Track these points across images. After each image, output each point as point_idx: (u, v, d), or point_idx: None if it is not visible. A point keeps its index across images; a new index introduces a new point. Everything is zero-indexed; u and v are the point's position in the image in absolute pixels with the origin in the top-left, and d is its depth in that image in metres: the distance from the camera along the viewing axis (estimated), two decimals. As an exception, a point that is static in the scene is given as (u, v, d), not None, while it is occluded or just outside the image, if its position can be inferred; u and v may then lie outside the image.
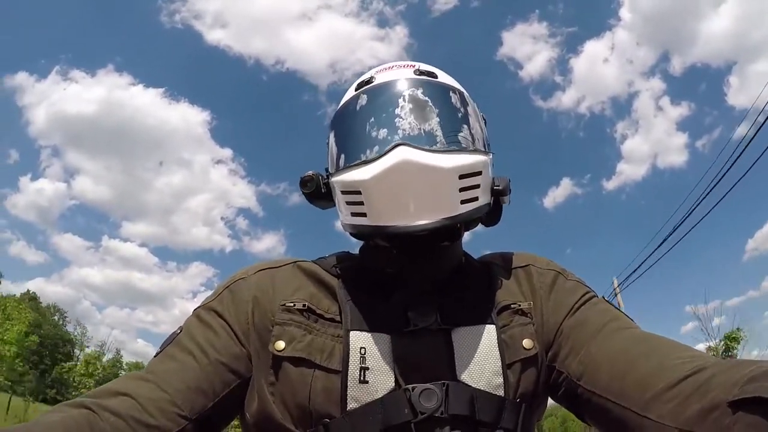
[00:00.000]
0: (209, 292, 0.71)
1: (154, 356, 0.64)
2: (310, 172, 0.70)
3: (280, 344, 0.61)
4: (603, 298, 0.69)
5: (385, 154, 0.59)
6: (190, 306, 0.70)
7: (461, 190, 0.61)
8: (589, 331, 0.62)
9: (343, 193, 0.64)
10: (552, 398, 0.67)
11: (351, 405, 0.57)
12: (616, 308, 0.66)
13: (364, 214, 0.62)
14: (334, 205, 0.71)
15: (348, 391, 0.57)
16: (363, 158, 0.62)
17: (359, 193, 0.61)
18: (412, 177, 0.58)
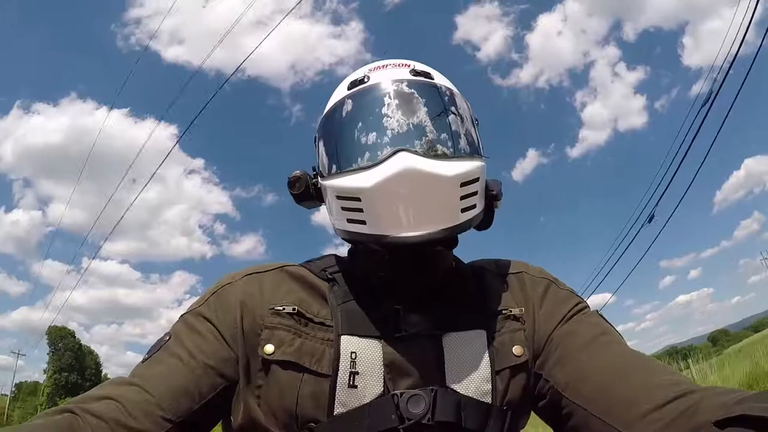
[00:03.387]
0: (195, 299, 0.70)
1: (141, 362, 0.63)
2: (298, 172, 0.68)
3: (270, 348, 0.60)
4: (596, 312, 0.69)
5: (384, 159, 0.58)
6: (177, 315, 0.69)
7: (462, 198, 0.60)
8: (578, 342, 0.62)
9: (339, 198, 0.62)
10: (533, 409, 0.66)
11: (338, 410, 0.57)
12: (607, 322, 0.66)
13: (362, 222, 0.60)
14: (320, 205, 0.69)
15: (336, 396, 0.57)
16: (355, 166, 0.60)
17: (358, 200, 0.59)
18: (414, 185, 0.57)
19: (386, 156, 0.58)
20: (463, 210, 0.61)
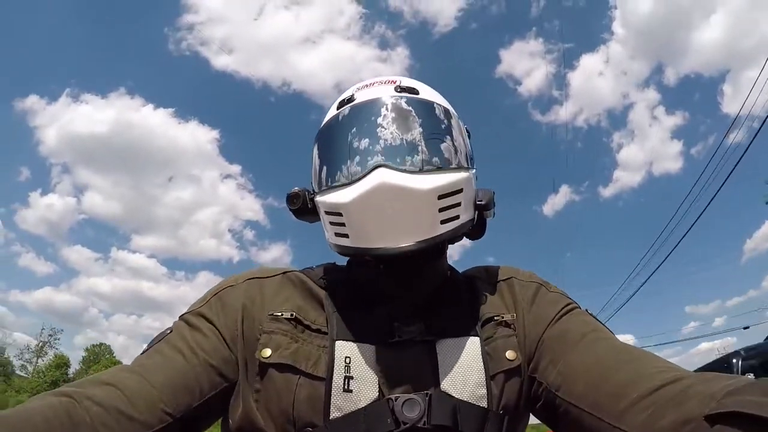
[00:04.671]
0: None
1: (142, 353, 0.64)
2: (297, 189, 0.70)
3: (267, 351, 0.61)
4: (586, 310, 0.69)
5: (363, 176, 0.59)
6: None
7: (441, 210, 0.61)
8: (569, 341, 0.62)
9: (327, 213, 0.65)
10: (532, 412, 0.66)
11: (334, 414, 0.57)
12: (597, 320, 0.67)
13: (346, 235, 0.63)
14: (319, 220, 0.71)
15: (331, 400, 0.57)
16: (339, 182, 0.62)
17: (341, 214, 0.62)
18: (389, 200, 0.58)
19: (365, 172, 0.59)
20: (443, 222, 0.61)
